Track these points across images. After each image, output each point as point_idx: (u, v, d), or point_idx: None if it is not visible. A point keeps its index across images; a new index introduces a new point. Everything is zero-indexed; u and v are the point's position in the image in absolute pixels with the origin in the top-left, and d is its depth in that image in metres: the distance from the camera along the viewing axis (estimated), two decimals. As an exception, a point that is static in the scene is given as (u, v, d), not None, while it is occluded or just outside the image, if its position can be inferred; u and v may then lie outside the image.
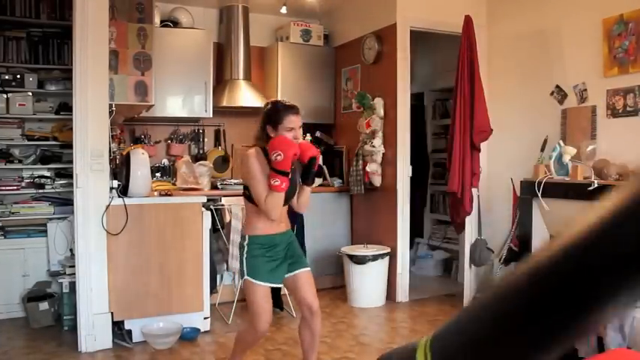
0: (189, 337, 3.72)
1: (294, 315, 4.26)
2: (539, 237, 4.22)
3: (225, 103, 5.07)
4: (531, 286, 0.58)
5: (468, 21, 4.24)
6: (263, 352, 3.51)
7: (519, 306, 0.58)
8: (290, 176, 2.55)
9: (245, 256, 2.66)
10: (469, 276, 4.46)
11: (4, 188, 4.36)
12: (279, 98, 2.76)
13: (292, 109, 2.62)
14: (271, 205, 2.54)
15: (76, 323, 3.55)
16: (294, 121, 2.60)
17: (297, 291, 2.75)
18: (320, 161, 2.60)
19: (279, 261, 2.68)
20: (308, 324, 2.76)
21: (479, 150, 4.25)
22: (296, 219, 4.36)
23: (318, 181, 5.23)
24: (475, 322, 0.66)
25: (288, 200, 2.69)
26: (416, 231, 5.84)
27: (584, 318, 0.54)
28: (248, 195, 2.66)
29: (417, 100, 5.88)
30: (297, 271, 2.72)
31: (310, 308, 2.72)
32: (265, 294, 2.65)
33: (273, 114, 2.61)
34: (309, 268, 2.78)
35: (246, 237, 2.68)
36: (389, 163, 4.74)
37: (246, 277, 2.65)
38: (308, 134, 5.38)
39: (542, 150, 4.19)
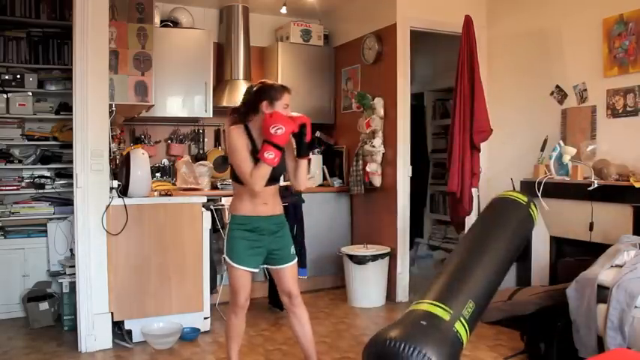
0: (189, 337, 3.73)
1: (294, 315, 4.26)
2: (539, 237, 4.22)
3: (225, 103, 5.06)
4: None
5: (468, 21, 4.24)
6: (263, 352, 3.51)
7: None
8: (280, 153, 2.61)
9: (227, 234, 2.75)
10: (469, 276, 4.46)
11: (4, 188, 4.36)
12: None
13: (288, 89, 2.74)
14: (258, 176, 2.59)
15: (76, 323, 3.55)
16: (289, 99, 2.70)
17: (280, 281, 2.82)
18: (311, 131, 2.70)
19: (259, 247, 2.71)
20: (292, 311, 2.82)
21: (479, 150, 4.25)
22: (296, 218, 4.38)
23: (319, 174, 5.23)
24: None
25: (272, 181, 2.70)
26: (416, 231, 5.85)
27: None
28: (234, 173, 2.72)
29: (417, 100, 5.88)
30: (282, 266, 2.78)
31: (289, 294, 2.79)
32: (241, 274, 2.71)
33: (271, 90, 2.68)
34: (294, 262, 2.81)
35: (230, 216, 2.78)
36: (389, 163, 4.74)
37: (224, 255, 2.76)
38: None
39: (542, 150, 4.20)
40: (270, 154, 2.53)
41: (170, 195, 3.94)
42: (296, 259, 2.83)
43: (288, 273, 2.79)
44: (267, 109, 2.65)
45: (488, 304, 2.61)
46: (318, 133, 5.56)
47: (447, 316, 2.26)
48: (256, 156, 2.62)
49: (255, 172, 2.59)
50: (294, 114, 2.69)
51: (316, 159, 5.28)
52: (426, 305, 2.36)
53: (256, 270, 2.78)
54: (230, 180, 4.70)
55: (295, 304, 2.80)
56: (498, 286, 2.70)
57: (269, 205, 2.73)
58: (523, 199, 2.96)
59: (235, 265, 2.70)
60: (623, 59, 3.69)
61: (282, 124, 2.53)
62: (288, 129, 2.55)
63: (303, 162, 2.73)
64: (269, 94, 2.67)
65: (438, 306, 2.31)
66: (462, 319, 2.30)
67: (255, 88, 2.74)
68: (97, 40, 3.47)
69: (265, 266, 2.86)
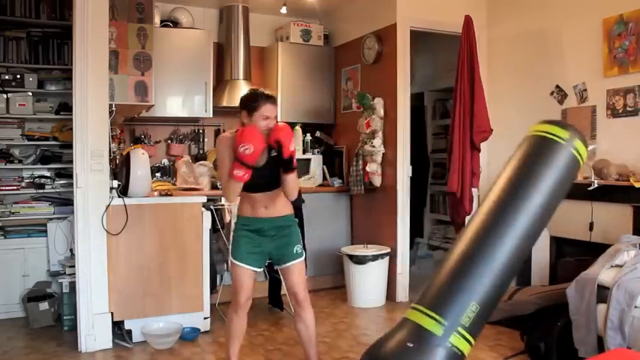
0: (189, 337, 3.72)
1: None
2: (539, 237, 4.22)
3: (225, 103, 5.07)
4: None
5: (468, 21, 4.24)
6: (263, 352, 3.51)
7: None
8: (256, 166, 2.56)
9: (233, 234, 2.84)
10: (469, 276, 4.46)
11: (4, 188, 4.36)
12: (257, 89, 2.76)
13: (270, 99, 2.62)
14: (227, 191, 2.62)
15: (76, 323, 3.55)
16: (270, 110, 2.60)
17: (286, 281, 2.85)
18: (292, 147, 2.60)
19: (260, 246, 2.75)
20: (298, 313, 2.84)
21: (479, 150, 4.25)
22: (296, 218, 4.36)
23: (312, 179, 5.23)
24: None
25: (268, 187, 2.70)
26: (416, 231, 5.84)
27: None
28: None
29: (417, 100, 5.88)
30: (288, 264, 2.79)
31: (296, 296, 2.81)
32: (242, 272, 2.74)
33: (251, 100, 2.62)
34: (300, 259, 2.80)
35: (237, 217, 2.84)
36: (389, 163, 4.74)
37: (229, 254, 2.82)
38: (308, 134, 5.39)
39: (542, 150, 4.19)
40: (239, 172, 2.51)
41: (170, 195, 3.94)
42: (301, 257, 2.80)
43: (293, 272, 2.78)
44: (246, 119, 2.62)
45: (503, 294, 2.05)
46: (318, 133, 5.56)
47: (439, 330, 1.87)
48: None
49: (225, 187, 2.62)
50: (280, 123, 2.63)
51: (316, 159, 5.28)
52: (417, 315, 1.97)
53: (258, 269, 2.81)
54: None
55: (303, 307, 2.80)
56: (520, 264, 2.10)
57: (269, 208, 2.75)
58: (562, 135, 2.08)
59: (237, 262, 2.75)
60: (623, 59, 3.69)
61: (250, 142, 2.46)
62: (256, 148, 2.47)
63: (287, 176, 2.63)
64: (247, 104, 2.63)
65: (429, 316, 1.91)
66: (459, 329, 1.89)
67: (242, 95, 2.71)
68: (97, 40, 3.47)
69: (275, 267, 2.90)
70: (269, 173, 2.67)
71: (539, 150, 2.06)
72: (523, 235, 1.96)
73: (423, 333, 1.90)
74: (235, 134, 2.62)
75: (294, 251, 2.78)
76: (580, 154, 2.09)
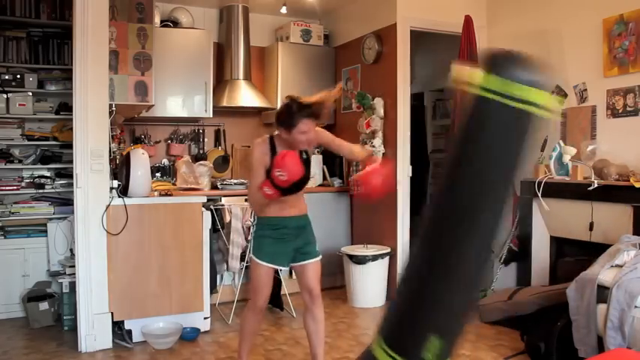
0: (189, 337, 3.72)
1: (294, 315, 4.26)
2: (539, 237, 4.22)
3: (225, 103, 5.07)
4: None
5: (468, 21, 4.25)
6: (263, 352, 3.51)
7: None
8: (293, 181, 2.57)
9: (253, 235, 2.84)
10: (469, 276, 4.45)
11: (4, 188, 4.36)
12: (293, 95, 2.69)
13: (305, 113, 2.56)
14: (254, 201, 2.70)
15: (76, 323, 3.55)
16: (307, 125, 2.58)
17: (302, 277, 2.86)
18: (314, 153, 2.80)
19: (286, 244, 2.76)
20: (309, 309, 2.86)
21: (479, 150, 4.24)
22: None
23: (318, 180, 5.24)
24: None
25: (299, 189, 2.76)
26: (416, 231, 5.84)
27: None
28: None
29: (417, 100, 5.88)
30: (306, 262, 2.82)
31: (310, 292, 2.83)
32: (265, 272, 2.76)
33: (287, 117, 2.58)
34: (318, 258, 2.86)
35: (256, 218, 2.83)
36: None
37: (251, 254, 2.82)
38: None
39: (542, 150, 4.19)
40: (269, 191, 2.55)
41: (170, 195, 3.94)
42: (320, 256, 2.87)
43: (312, 269, 2.83)
44: (285, 135, 2.63)
45: (467, 314, 1.50)
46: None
47: None
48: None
49: (253, 196, 2.66)
50: (319, 129, 2.77)
51: (316, 159, 5.28)
52: (378, 350, 1.58)
53: (285, 268, 2.87)
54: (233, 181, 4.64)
55: (315, 303, 2.85)
56: (482, 271, 1.44)
57: (295, 207, 2.79)
58: (502, 88, 1.24)
59: (262, 262, 2.74)
60: (623, 59, 3.69)
61: (287, 171, 2.46)
62: (291, 178, 2.48)
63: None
64: (284, 122, 2.60)
65: (388, 355, 1.51)
66: None
67: (278, 110, 2.73)
68: (97, 40, 3.47)
69: (292, 265, 2.89)
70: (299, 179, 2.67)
71: (479, 124, 1.32)
72: (479, 246, 1.35)
73: None
74: (268, 140, 2.70)
75: (315, 249, 2.85)
76: (540, 102, 1.25)
